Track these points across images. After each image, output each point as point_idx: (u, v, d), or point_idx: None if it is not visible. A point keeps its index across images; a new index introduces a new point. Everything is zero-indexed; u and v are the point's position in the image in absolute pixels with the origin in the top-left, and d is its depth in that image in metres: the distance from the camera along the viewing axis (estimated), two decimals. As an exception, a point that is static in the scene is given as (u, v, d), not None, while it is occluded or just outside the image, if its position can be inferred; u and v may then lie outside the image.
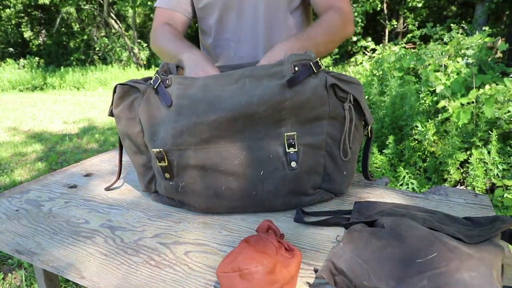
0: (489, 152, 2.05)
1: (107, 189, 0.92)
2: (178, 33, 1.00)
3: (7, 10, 13.23)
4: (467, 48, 2.92)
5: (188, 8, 1.04)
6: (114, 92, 0.79)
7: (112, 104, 0.81)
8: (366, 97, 3.19)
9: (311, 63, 0.71)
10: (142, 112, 0.76)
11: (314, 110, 0.72)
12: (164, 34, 0.97)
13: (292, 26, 1.04)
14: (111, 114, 0.82)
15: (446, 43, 3.29)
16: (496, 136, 2.04)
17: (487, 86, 2.29)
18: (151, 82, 0.77)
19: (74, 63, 13.62)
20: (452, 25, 3.37)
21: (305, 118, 0.72)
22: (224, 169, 0.72)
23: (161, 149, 0.72)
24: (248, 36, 1.03)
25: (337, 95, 0.74)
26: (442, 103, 2.36)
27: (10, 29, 14.16)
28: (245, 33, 1.02)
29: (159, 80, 0.76)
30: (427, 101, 2.72)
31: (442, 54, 2.99)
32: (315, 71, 0.71)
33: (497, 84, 2.24)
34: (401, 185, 2.14)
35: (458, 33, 3.19)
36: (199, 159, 0.72)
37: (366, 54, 5.08)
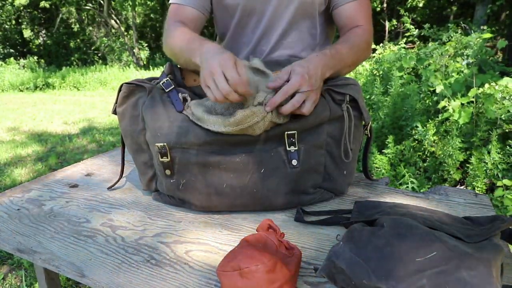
0: (489, 152, 2.05)
1: (110, 188, 0.92)
2: (191, 30, 0.89)
3: (7, 7, 13.22)
4: (466, 47, 2.92)
5: (205, 4, 0.97)
6: (119, 90, 0.80)
7: (116, 102, 0.81)
8: (368, 97, 3.18)
9: None
10: (146, 110, 0.76)
11: (317, 119, 0.73)
12: (176, 34, 0.87)
13: (315, 35, 1.01)
14: (114, 112, 0.82)
15: (445, 43, 3.29)
16: (496, 136, 2.04)
17: (486, 85, 2.29)
18: (161, 84, 0.78)
19: (74, 63, 13.62)
20: (450, 25, 3.37)
21: (308, 126, 0.74)
22: (226, 167, 0.73)
23: (165, 144, 0.72)
24: (262, 40, 1.01)
25: (335, 100, 0.75)
26: (443, 103, 2.36)
27: (10, 29, 14.16)
28: (259, 37, 1.00)
29: (172, 86, 0.77)
30: (427, 101, 2.73)
31: (442, 54, 3.00)
32: None
33: (496, 84, 2.24)
34: (401, 184, 2.14)
35: (457, 32, 3.19)
36: (200, 157, 0.72)
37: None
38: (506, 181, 1.91)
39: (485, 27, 3.41)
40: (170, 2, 0.98)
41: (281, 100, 0.66)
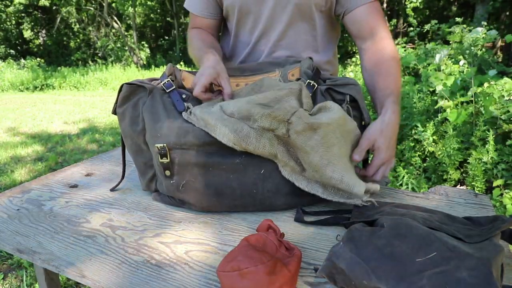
0: (488, 152, 2.05)
1: (112, 190, 0.92)
2: (208, 36, 1.03)
3: (8, 9, 13.22)
4: (471, 45, 2.90)
5: (215, 10, 1.05)
6: (120, 90, 0.80)
7: (116, 103, 0.81)
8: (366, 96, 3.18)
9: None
10: (146, 110, 0.76)
11: None
12: (194, 42, 1.01)
13: (315, 37, 1.02)
14: (114, 112, 0.82)
15: (447, 41, 3.29)
16: (494, 136, 2.04)
17: (486, 84, 2.29)
18: (162, 85, 0.79)
19: (74, 63, 13.62)
20: (456, 18, 3.37)
21: None
22: (225, 168, 0.73)
23: (164, 144, 0.72)
24: (261, 41, 1.02)
25: (335, 99, 0.75)
26: (440, 103, 2.37)
27: (10, 29, 14.16)
28: (257, 38, 1.02)
29: (173, 87, 0.78)
30: (427, 101, 2.73)
31: (442, 54, 2.99)
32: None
33: (495, 83, 2.24)
34: (401, 185, 2.14)
35: (460, 27, 3.18)
36: (200, 158, 0.72)
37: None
38: (499, 181, 1.91)
39: (484, 23, 3.41)
40: (184, 5, 1.09)
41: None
